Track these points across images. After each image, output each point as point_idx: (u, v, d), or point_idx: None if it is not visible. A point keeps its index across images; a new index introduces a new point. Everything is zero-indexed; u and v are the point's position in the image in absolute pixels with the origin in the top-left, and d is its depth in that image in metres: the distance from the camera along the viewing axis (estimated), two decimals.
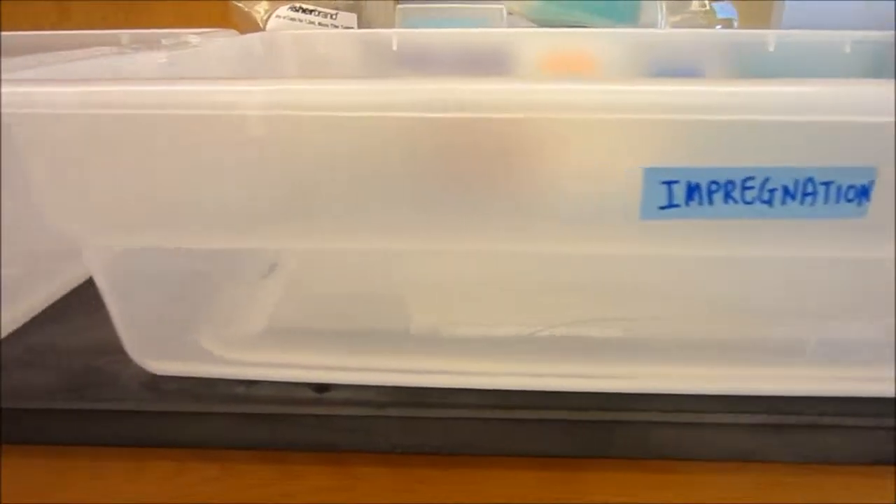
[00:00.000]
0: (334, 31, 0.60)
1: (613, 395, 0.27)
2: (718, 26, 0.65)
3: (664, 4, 0.62)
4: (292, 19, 0.62)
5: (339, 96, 0.20)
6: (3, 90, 0.22)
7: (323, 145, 0.22)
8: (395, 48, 0.54)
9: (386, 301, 0.31)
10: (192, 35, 0.44)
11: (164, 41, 0.44)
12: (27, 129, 0.23)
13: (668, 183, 0.21)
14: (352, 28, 0.62)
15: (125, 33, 0.56)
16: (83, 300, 0.36)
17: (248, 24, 0.67)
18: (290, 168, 0.23)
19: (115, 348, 0.31)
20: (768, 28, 0.82)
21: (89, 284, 0.38)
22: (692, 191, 0.21)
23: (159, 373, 0.28)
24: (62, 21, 0.74)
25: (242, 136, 0.20)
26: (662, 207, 0.21)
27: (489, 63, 0.61)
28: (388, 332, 0.29)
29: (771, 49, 0.53)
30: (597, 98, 0.20)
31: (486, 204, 0.23)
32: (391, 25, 0.63)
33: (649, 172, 0.21)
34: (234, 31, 0.52)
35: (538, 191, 0.22)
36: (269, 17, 0.64)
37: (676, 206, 0.21)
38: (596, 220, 0.21)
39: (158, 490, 0.32)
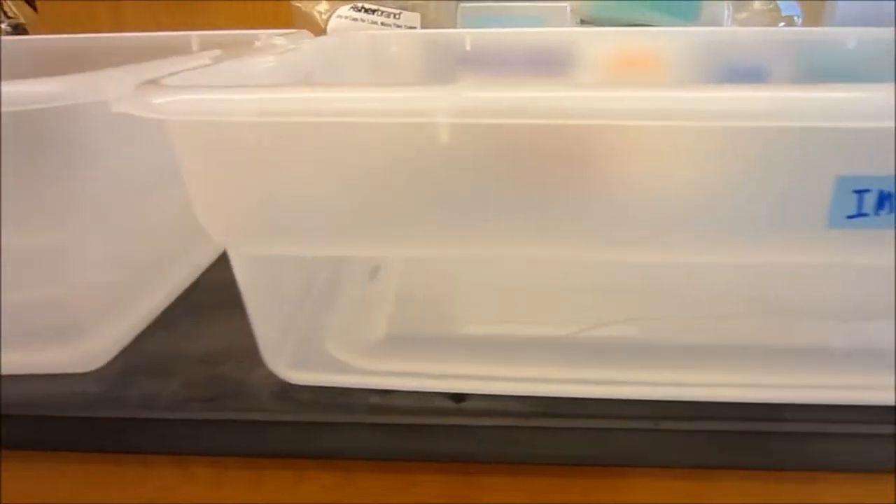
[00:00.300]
0: (407, 31, 0.59)
1: (761, 405, 0.27)
2: (782, 24, 0.64)
3: (730, 3, 0.61)
4: (354, 19, 0.62)
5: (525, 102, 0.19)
6: (165, 98, 0.21)
7: (448, 153, 0.22)
8: (468, 48, 0.53)
9: (514, 308, 0.30)
10: (277, 37, 0.44)
11: (256, 43, 0.43)
12: (186, 135, 0.22)
13: (860, 192, 0.21)
14: (415, 28, 0.61)
15: (195, 35, 0.55)
16: (191, 308, 0.35)
17: (305, 24, 0.67)
18: (428, 175, 0.22)
19: (235, 356, 0.31)
20: (822, 26, 0.81)
21: (193, 291, 0.38)
22: (883, 200, 0.21)
23: (296, 382, 0.28)
24: (115, 23, 0.73)
25: (426, 143, 0.20)
26: (850, 216, 0.21)
27: (554, 63, 0.61)
28: (522, 339, 0.29)
29: (851, 46, 0.52)
30: (792, 107, 0.20)
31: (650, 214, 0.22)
32: (453, 25, 0.63)
33: (843, 181, 0.20)
34: (306, 32, 0.51)
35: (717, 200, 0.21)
36: (329, 17, 0.63)
37: (865, 215, 0.21)
38: (782, 230, 0.21)
39: (277, 500, 0.32)
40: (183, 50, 0.56)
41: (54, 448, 0.29)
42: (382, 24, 0.61)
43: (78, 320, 0.28)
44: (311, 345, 0.29)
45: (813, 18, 0.79)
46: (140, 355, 0.31)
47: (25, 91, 0.23)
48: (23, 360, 0.28)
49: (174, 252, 0.35)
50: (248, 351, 0.32)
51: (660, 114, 0.20)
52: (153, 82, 0.22)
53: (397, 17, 0.61)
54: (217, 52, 0.35)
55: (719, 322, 0.31)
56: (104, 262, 0.27)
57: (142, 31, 0.58)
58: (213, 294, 0.37)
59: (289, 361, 0.28)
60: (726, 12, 0.60)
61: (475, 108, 0.19)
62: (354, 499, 0.32)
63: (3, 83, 0.23)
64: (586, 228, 0.23)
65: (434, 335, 0.30)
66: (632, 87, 0.20)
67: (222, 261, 0.42)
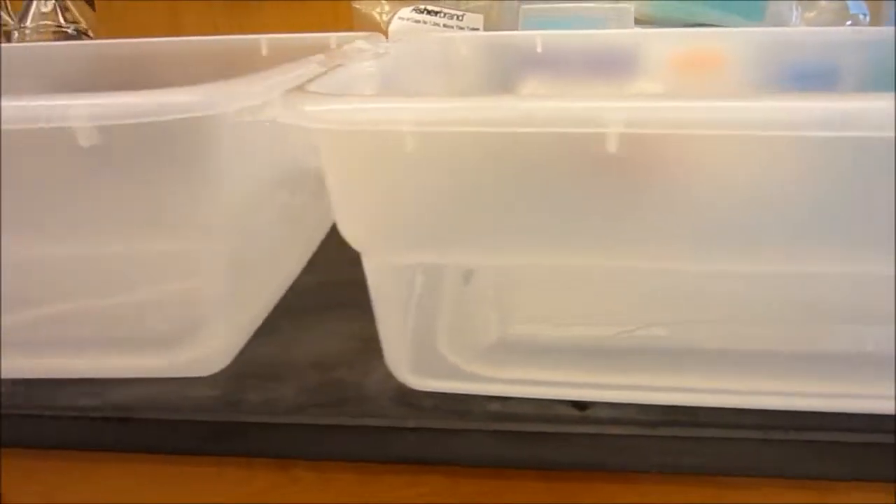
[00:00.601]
0: (478, 34, 0.59)
1: (868, 415, 0.26)
2: (849, 22, 0.63)
3: (798, 2, 0.60)
4: (416, 21, 0.61)
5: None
6: (318, 106, 0.21)
7: (616, 163, 0.22)
8: (539, 50, 0.53)
9: (617, 312, 0.30)
10: (360, 41, 0.44)
11: (331, 47, 0.43)
12: (333, 143, 0.22)
13: None
14: (478, 29, 0.61)
15: (264, 38, 0.55)
16: (288, 313, 0.36)
17: (364, 26, 0.67)
18: (585, 184, 0.22)
19: (345, 361, 0.31)
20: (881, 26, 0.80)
21: (286, 297, 0.38)
22: None
23: (420, 389, 0.28)
24: (174, 27, 0.74)
25: (587, 153, 0.20)
26: None
27: (618, 64, 0.60)
28: (634, 345, 0.28)
29: None
30: None
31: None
32: (514, 27, 0.62)
33: None
34: (380, 35, 0.51)
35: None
36: (390, 19, 0.63)
37: None
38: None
39: (383, 501, 0.32)
40: (252, 53, 0.57)
41: (174, 451, 0.29)
42: (445, 25, 0.61)
43: (200, 324, 0.28)
44: (426, 350, 0.29)
45: (874, 19, 0.78)
46: (250, 360, 0.31)
47: (165, 101, 0.23)
48: (144, 363, 0.29)
49: (277, 258, 0.35)
50: (355, 355, 0.32)
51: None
52: (302, 90, 0.22)
53: (460, 18, 0.61)
54: (321, 56, 0.35)
55: (823, 331, 0.30)
56: (226, 268, 0.27)
57: (199, 32, 0.58)
58: (307, 299, 0.37)
59: (409, 367, 0.28)
60: (794, 12, 0.59)
61: (652, 119, 0.18)
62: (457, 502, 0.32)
63: (141, 93, 0.23)
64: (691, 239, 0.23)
65: (547, 341, 0.30)
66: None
67: (309, 265, 0.42)
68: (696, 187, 0.23)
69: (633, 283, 0.31)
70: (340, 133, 0.21)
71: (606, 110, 0.18)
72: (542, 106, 0.19)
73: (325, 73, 0.28)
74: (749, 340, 0.28)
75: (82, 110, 0.22)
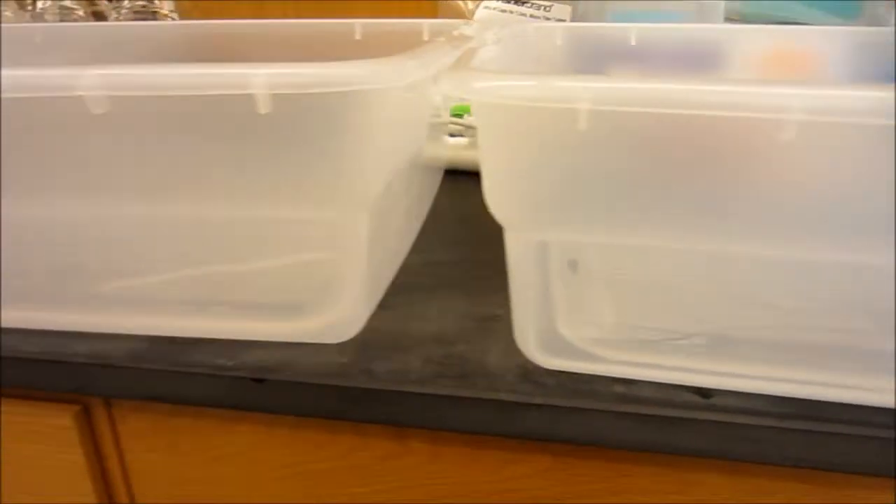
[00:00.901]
0: (571, 24, 0.59)
1: None
2: None
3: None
4: (503, 10, 0.62)
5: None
6: (490, 83, 0.22)
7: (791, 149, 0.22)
8: (633, 43, 0.53)
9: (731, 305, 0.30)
10: (465, 27, 0.45)
11: (455, 33, 0.44)
12: (494, 118, 0.23)
13: None
14: (564, 21, 0.61)
15: (358, 23, 0.56)
16: (399, 289, 0.37)
17: (449, 15, 0.68)
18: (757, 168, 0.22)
19: (463, 337, 0.32)
20: None
21: (401, 274, 0.39)
22: None
23: (549, 367, 0.28)
24: (257, 17, 0.75)
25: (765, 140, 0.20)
26: None
27: (706, 60, 0.60)
28: (753, 335, 0.29)
29: None
30: None
31: None
32: (602, 19, 0.62)
33: None
34: (476, 21, 0.52)
35: None
36: (476, 8, 0.64)
37: None
38: None
39: (489, 478, 0.33)
40: (348, 37, 0.58)
41: (307, 413, 0.30)
42: (531, 16, 0.61)
43: (338, 293, 0.29)
44: (551, 330, 0.29)
45: None
46: (371, 331, 0.32)
47: (339, 74, 0.24)
48: (278, 327, 0.30)
49: (400, 235, 0.36)
50: (470, 333, 0.33)
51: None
52: (471, 68, 0.23)
53: (547, 9, 0.61)
54: (441, 39, 0.36)
55: None
56: (368, 240, 0.28)
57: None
58: (415, 277, 0.38)
59: (538, 346, 0.28)
60: (893, 14, 0.58)
61: (833, 108, 0.19)
62: (561, 484, 0.32)
63: (315, 65, 0.24)
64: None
65: (666, 326, 0.30)
66: None
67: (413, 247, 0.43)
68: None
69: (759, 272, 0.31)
70: (506, 108, 0.22)
71: (788, 97, 0.19)
72: (728, 90, 0.19)
73: (461, 55, 0.29)
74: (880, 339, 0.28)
75: (261, 79, 0.23)
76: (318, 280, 0.29)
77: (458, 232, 0.45)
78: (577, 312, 0.32)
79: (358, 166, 0.26)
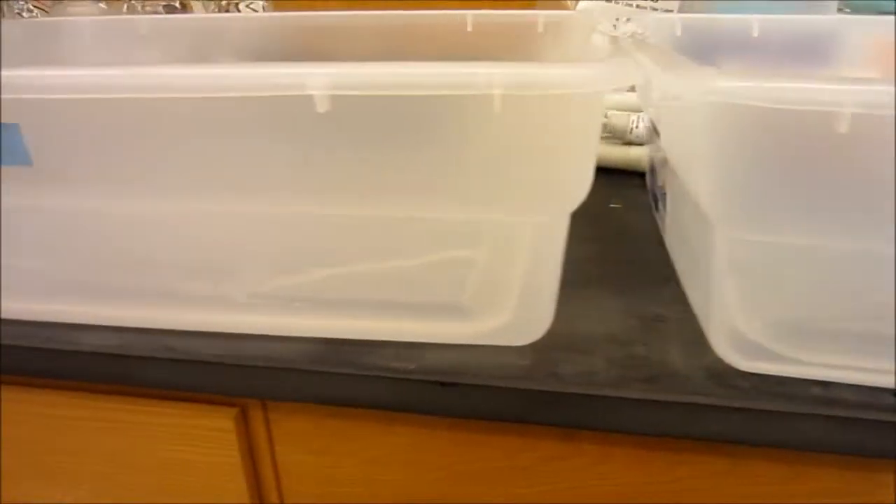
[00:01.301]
0: (690, 15, 0.58)
1: None
2: None
3: None
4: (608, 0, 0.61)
5: None
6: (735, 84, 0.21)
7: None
8: (755, 34, 0.52)
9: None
10: (600, 23, 0.44)
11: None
12: (727, 120, 0.22)
13: None
14: (671, 11, 0.60)
15: (470, 14, 0.56)
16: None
17: (548, 4, 0.67)
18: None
19: (638, 338, 0.31)
20: None
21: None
22: None
23: (745, 369, 0.28)
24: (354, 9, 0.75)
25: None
26: None
27: (819, 51, 0.58)
28: None
29: None
30: None
31: None
32: (707, 10, 0.61)
33: None
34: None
35: None
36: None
37: None
38: None
39: (658, 479, 0.33)
40: (458, 29, 0.57)
41: (496, 417, 0.30)
42: (638, 6, 0.60)
43: (527, 295, 0.29)
44: (739, 332, 0.29)
45: None
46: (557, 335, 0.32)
47: (560, 75, 0.23)
48: (461, 329, 0.30)
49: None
50: (640, 333, 0.32)
51: None
52: (710, 72, 0.22)
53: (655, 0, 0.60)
54: (598, 35, 0.35)
55: None
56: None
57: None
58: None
59: (732, 347, 0.28)
60: None
61: None
62: (739, 486, 0.32)
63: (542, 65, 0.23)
64: None
65: (850, 326, 0.29)
66: None
67: None
68: None
69: None
70: (748, 110, 0.21)
71: None
72: None
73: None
74: None
75: (497, 78, 0.22)
76: (513, 282, 0.29)
77: (584, 229, 0.44)
78: (759, 311, 0.31)
79: (576, 169, 0.26)
